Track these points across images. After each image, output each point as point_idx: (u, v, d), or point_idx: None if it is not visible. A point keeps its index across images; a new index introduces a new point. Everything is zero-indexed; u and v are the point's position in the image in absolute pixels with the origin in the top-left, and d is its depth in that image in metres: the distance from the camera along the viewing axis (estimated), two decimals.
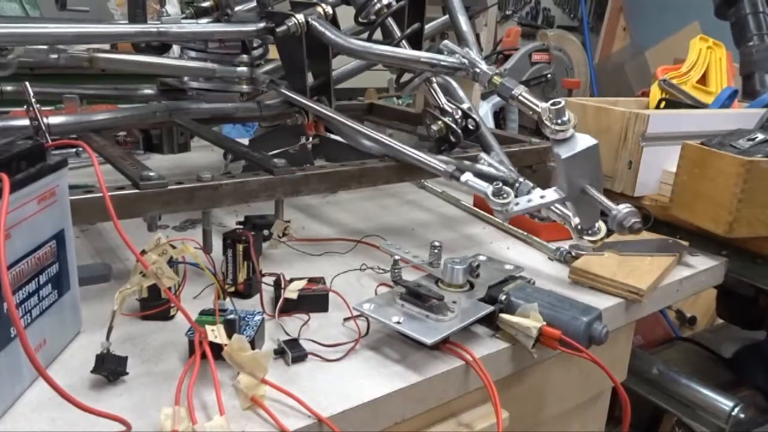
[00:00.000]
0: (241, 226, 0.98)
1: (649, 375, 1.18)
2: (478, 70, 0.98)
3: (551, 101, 0.87)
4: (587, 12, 4.18)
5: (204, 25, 1.15)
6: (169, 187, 0.85)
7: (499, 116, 2.00)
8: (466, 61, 0.98)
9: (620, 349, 1.04)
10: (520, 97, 0.91)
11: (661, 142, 1.34)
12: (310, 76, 1.18)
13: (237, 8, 1.26)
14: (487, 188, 0.86)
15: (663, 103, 1.59)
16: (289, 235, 1.06)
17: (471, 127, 1.07)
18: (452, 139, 1.05)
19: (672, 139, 1.34)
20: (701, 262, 1.12)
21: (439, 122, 1.06)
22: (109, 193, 0.78)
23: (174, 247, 0.77)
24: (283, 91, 1.12)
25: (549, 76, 2.29)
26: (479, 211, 1.28)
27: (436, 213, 1.32)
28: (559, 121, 0.86)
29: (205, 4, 1.40)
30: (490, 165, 1.01)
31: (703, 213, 1.12)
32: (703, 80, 1.70)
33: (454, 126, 1.04)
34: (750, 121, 1.42)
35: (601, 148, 1.38)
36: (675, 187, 1.19)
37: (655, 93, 1.63)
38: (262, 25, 1.09)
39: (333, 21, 1.13)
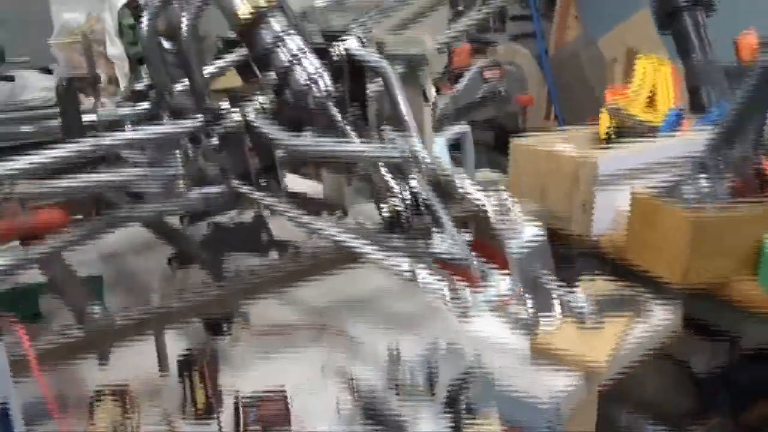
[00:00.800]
0: (196, 344, 0.96)
1: (618, 426, 1.21)
2: (420, 159, 0.97)
3: (492, 198, 0.88)
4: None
5: (140, 129, 1.12)
6: (117, 325, 0.84)
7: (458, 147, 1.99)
8: (407, 149, 0.98)
9: (585, 418, 1.06)
10: (466, 195, 0.92)
11: (614, 184, 1.34)
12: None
13: (177, 87, 1.23)
14: (445, 291, 0.87)
15: (613, 133, 1.60)
16: (248, 328, 1.06)
17: (420, 205, 1.06)
18: (403, 223, 1.04)
19: (624, 177, 1.35)
20: (659, 311, 1.13)
21: (389, 206, 1.05)
22: (51, 345, 0.77)
23: (122, 392, 0.77)
24: (235, 184, 1.09)
25: (502, 91, 2.29)
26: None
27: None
28: (505, 216, 0.87)
29: (140, 86, 1.36)
30: (441, 247, 1.01)
31: (656, 262, 1.14)
32: (651, 99, 1.71)
33: (403, 212, 1.03)
34: (697, 146, 1.43)
35: (555, 190, 1.41)
36: (629, 235, 1.20)
37: (605, 120, 1.64)
38: (199, 121, 1.07)
39: None
